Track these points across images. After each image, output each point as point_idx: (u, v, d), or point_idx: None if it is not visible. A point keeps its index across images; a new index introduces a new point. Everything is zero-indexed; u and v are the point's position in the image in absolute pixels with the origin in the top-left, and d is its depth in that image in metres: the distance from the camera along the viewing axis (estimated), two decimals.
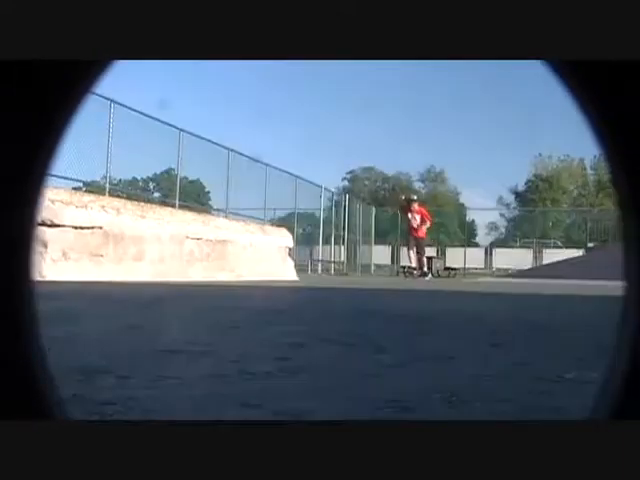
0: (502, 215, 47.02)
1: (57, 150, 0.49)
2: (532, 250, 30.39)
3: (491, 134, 74.34)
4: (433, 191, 54.68)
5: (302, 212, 26.27)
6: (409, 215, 21.18)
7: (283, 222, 21.66)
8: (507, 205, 52.06)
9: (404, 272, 21.34)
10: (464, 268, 26.39)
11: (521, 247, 32.55)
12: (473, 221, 41.30)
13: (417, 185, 54.52)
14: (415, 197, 22.39)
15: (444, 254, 29.26)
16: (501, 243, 38.25)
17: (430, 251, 28.07)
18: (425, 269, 20.92)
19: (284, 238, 14.25)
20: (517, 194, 53.45)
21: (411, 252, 20.98)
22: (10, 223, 0.47)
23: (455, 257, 27.82)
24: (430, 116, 73.62)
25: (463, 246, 30.23)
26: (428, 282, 15.22)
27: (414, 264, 20.89)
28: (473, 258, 28.65)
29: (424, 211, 21.50)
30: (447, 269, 23.64)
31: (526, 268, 24.97)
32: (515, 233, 38.12)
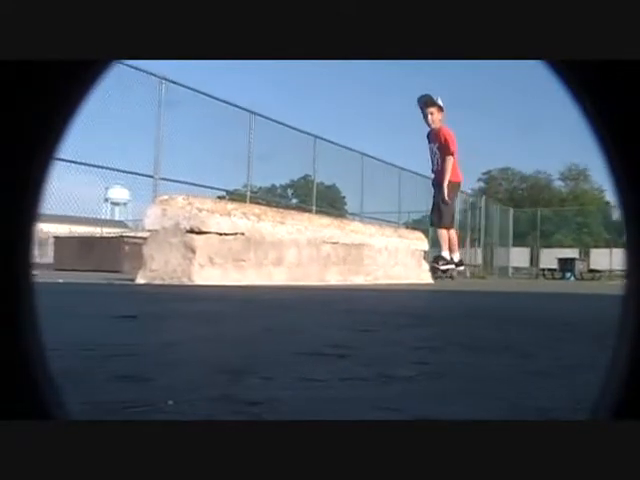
0: None
1: (55, 150, 0.49)
2: None
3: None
4: (575, 190, 52.05)
5: None
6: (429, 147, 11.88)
7: (417, 225, 21.51)
8: None
9: (433, 268, 12.86)
10: (609, 270, 24.93)
11: None
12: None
13: (557, 184, 52.06)
14: (439, 100, 11.95)
15: (588, 255, 27.80)
16: None
17: (572, 252, 26.72)
18: (455, 258, 12.39)
19: (419, 241, 14.13)
20: None
21: (442, 232, 12.05)
22: (9, 222, 0.47)
23: (600, 259, 26.39)
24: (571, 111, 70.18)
25: (609, 247, 28.56)
26: (571, 284, 14.47)
27: (444, 252, 12.20)
28: (620, 259, 26.78)
29: (448, 133, 11.84)
30: (591, 271, 22.46)
31: None
32: None
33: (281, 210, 10.84)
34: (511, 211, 30.27)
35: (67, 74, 0.47)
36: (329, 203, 22.30)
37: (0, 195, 0.46)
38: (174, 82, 13.66)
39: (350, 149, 19.69)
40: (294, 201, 23.75)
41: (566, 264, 22.09)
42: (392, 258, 12.69)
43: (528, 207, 35.30)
